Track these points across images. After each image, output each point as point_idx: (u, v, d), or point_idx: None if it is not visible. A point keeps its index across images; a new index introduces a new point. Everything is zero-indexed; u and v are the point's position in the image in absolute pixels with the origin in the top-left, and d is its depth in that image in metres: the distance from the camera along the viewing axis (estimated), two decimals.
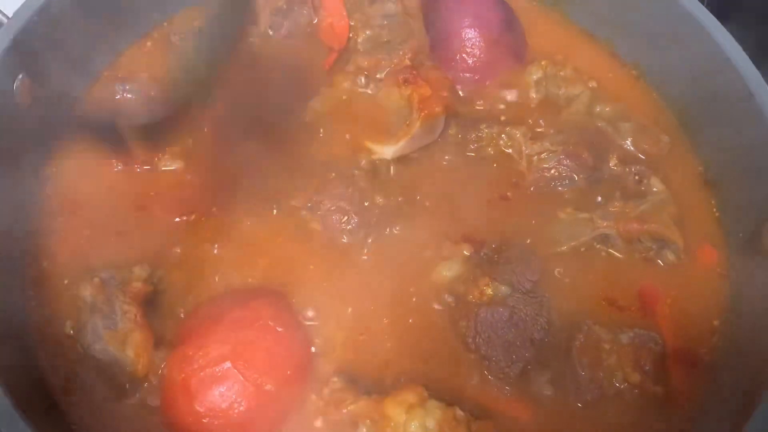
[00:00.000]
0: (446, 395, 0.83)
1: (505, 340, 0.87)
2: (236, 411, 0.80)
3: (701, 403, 0.90)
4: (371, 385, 0.87)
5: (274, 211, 1.00)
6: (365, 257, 0.97)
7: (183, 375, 0.81)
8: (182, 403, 0.81)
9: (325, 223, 0.97)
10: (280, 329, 0.84)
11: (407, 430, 0.78)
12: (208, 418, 0.80)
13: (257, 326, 0.84)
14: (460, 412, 0.80)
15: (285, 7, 1.19)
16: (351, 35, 1.17)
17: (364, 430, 0.81)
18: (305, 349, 0.89)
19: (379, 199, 0.99)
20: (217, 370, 0.80)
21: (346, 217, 0.96)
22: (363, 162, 1.02)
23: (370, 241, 0.98)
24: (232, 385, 0.80)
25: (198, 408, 0.80)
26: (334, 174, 0.99)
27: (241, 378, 0.80)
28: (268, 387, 0.81)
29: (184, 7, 1.21)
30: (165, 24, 1.20)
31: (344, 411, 0.82)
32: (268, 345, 0.83)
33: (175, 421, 0.82)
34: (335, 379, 0.86)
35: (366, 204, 0.97)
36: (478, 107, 1.12)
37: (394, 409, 0.79)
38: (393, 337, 0.91)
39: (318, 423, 0.85)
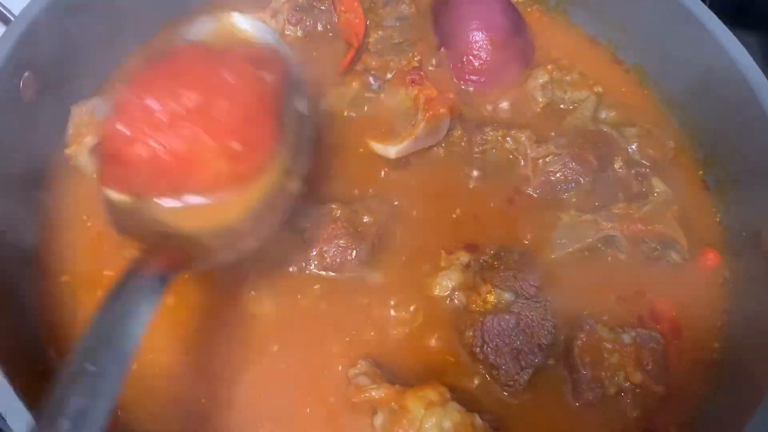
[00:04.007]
0: (467, 403, 0.83)
1: (513, 347, 0.87)
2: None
3: (702, 403, 0.91)
4: (396, 377, 0.87)
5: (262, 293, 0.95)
6: (376, 273, 0.97)
7: None
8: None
9: (339, 268, 0.95)
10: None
11: (423, 426, 0.78)
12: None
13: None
14: (479, 421, 0.79)
15: (305, 3, 1.19)
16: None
17: (381, 417, 0.81)
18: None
19: (366, 218, 0.97)
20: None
21: (354, 251, 0.95)
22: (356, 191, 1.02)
23: (380, 258, 0.97)
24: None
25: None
26: (309, 224, 0.97)
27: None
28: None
29: (194, 8, 1.22)
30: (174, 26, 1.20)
31: (365, 395, 0.82)
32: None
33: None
34: (362, 361, 0.87)
35: (359, 229, 0.96)
36: (483, 110, 1.13)
37: (414, 403, 0.79)
38: (403, 354, 0.91)
39: (337, 403, 0.86)
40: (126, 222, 0.78)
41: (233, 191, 0.78)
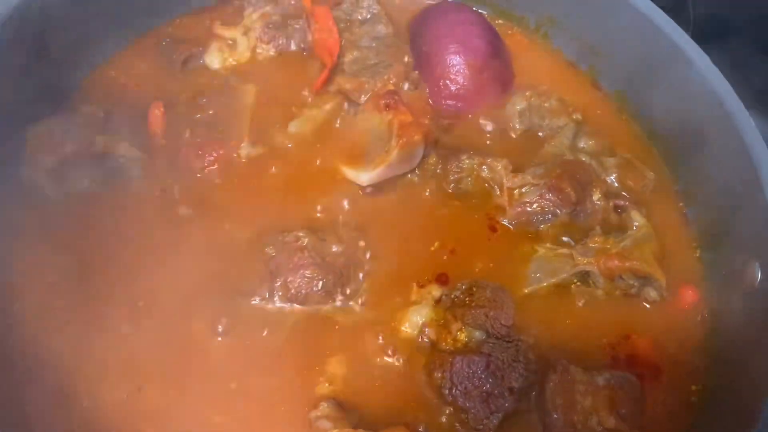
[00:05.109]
0: None
1: (482, 391, 0.84)
2: None
3: None
4: (360, 419, 0.84)
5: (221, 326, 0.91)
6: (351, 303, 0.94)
7: None
8: None
9: (304, 300, 0.92)
10: None
11: None
12: None
13: None
14: None
15: (279, 20, 1.16)
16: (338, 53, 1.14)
17: None
18: None
19: (335, 248, 0.94)
20: None
21: (320, 282, 0.91)
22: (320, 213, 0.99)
23: (348, 290, 0.94)
24: None
25: None
26: (271, 248, 0.94)
27: None
28: None
29: (180, 13, 1.20)
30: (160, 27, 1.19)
31: None
32: None
33: None
34: (324, 403, 0.83)
35: (327, 259, 0.93)
36: (459, 137, 1.10)
37: None
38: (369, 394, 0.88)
39: None
40: None
41: None
